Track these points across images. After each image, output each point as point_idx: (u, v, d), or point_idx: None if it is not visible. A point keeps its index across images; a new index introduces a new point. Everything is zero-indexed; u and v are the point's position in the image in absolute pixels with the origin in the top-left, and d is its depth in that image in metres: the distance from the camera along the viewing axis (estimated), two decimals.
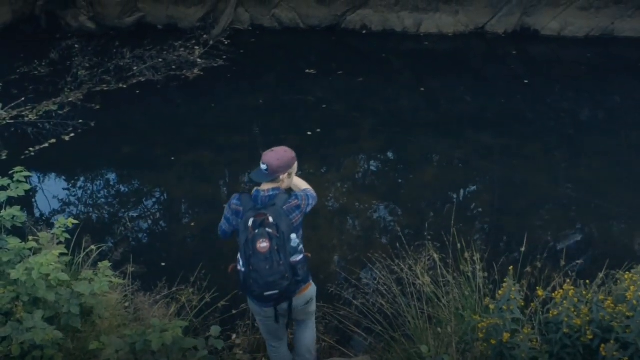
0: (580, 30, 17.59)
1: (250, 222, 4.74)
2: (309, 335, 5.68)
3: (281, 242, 4.73)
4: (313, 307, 5.48)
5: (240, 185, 10.62)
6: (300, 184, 5.28)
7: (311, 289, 5.30)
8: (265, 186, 4.96)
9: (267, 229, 4.71)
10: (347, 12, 18.76)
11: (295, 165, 5.05)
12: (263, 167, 4.89)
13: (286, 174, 4.96)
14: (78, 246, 6.78)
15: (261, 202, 4.90)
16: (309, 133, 11.25)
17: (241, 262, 4.84)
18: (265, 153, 4.94)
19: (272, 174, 4.88)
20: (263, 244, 4.67)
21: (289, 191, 5.17)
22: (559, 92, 14.64)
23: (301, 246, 4.98)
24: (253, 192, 5.01)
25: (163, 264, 8.39)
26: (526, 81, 14.89)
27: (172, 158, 11.28)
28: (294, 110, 13.49)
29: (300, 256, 4.96)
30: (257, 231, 4.70)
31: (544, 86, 14.77)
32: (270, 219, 4.74)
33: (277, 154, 4.91)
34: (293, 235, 4.88)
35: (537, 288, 5.41)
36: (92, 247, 6.76)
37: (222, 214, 5.27)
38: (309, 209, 5.08)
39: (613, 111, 13.46)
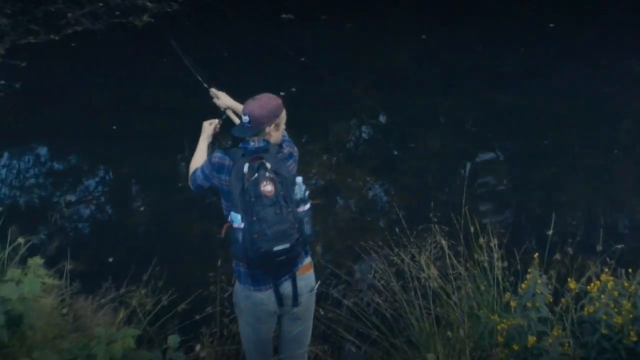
0: None
1: (245, 168, 4.76)
2: None
3: (285, 188, 4.78)
4: (313, 305, 5.51)
5: None
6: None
7: (313, 273, 5.35)
8: (253, 138, 5.00)
9: (267, 174, 4.75)
10: None
11: (284, 114, 5.07)
12: (245, 118, 4.93)
13: (272, 125, 4.98)
14: (2, 239, 6.76)
15: (252, 150, 4.94)
16: (282, 93, 11.19)
17: (238, 218, 4.78)
18: (247, 102, 5.00)
19: (256, 127, 4.92)
20: (268, 187, 4.70)
21: None
22: (594, 38, 14.64)
23: (307, 192, 5.00)
24: (240, 145, 5.04)
25: (109, 259, 8.36)
26: (552, 25, 14.89)
27: (116, 127, 11.23)
28: (267, 64, 13.45)
29: (308, 205, 4.99)
30: (256, 175, 4.73)
31: (574, 31, 14.77)
32: (268, 165, 4.79)
33: (260, 102, 4.96)
34: (299, 179, 4.95)
35: (569, 280, 5.44)
36: (20, 240, 6.73)
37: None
38: (297, 158, 5.20)
39: None
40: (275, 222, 4.67)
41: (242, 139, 5.02)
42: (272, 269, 4.97)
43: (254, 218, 4.67)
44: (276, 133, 5.04)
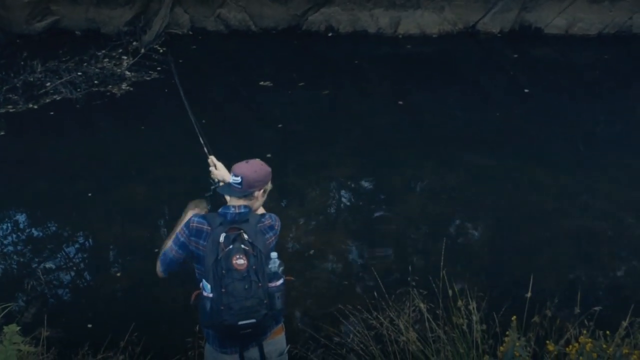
0: (592, 27, 17.85)
1: (221, 238, 4.73)
2: None
3: (259, 262, 4.72)
4: None
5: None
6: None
7: (284, 337, 5.30)
8: (236, 202, 4.99)
9: (243, 246, 4.71)
10: (308, 10, 18.87)
11: (270, 183, 5.11)
12: (236, 179, 4.92)
13: (262, 190, 5.02)
14: None
15: (231, 220, 4.90)
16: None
17: (208, 287, 4.75)
18: (239, 165, 5.00)
19: (247, 189, 4.92)
20: (240, 260, 4.64)
21: None
22: (568, 102, 14.81)
23: (282, 268, 4.92)
24: (220, 210, 5.01)
25: (87, 326, 8.28)
26: (527, 90, 15.05)
27: (96, 194, 11.22)
28: (244, 130, 13.48)
29: (280, 281, 4.91)
30: (231, 247, 4.69)
31: (549, 96, 14.92)
32: (245, 236, 4.76)
33: (254, 166, 4.98)
34: (274, 254, 4.89)
35: (547, 342, 5.44)
36: None
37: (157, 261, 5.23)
38: (279, 232, 5.13)
39: (634, 124, 13.59)
40: (243, 298, 4.64)
41: (224, 204, 5.03)
42: (238, 338, 4.95)
43: (223, 290, 4.64)
44: (262, 199, 5.08)
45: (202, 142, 5.98)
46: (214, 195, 5.42)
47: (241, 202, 4.97)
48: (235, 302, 4.63)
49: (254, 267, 4.68)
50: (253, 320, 4.71)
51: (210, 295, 4.72)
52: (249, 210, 4.97)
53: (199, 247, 4.92)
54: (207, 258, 4.75)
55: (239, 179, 4.90)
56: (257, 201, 5.05)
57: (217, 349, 5.07)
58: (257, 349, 5.06)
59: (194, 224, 4.96)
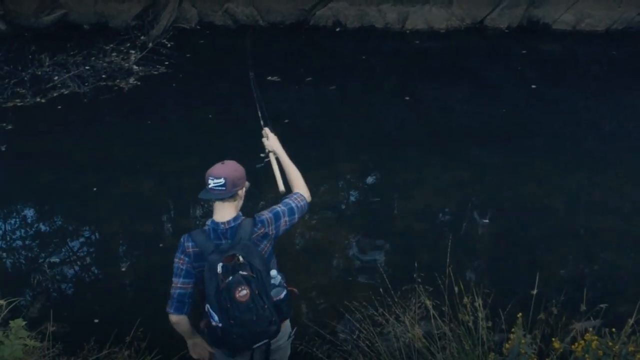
0: (600, 22, 17.81)
1: (219, 269, 4.60)
2: None
3: (260, 282, 4.64)
4: (288, 353, 5.51)
5: (188, 220, 10.57)
6: (297, 181, 5.65)
7: (288, 323, 5.32)
8: (222, 215, 4.92)
9: (242, 272, 4.60)
10: (316, 5, 18.87)
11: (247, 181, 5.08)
12: (218, 181, 4.81)
13: (243, 188, 4.99)
14: None
15: (222, 237, 4.86)
16: (262, 154, 11.18)
17: (216, 317, 4.70)
18: (215, 168, 4.90)
19: (231, 189, 4.84)
20: (243, 292, 4.55)
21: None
22: (576, 98, 14.75)
23: (283, 280, 4.96)
24: (207, 225, 4.95)
25: (93, 321, 8.26)
26: (534, 86, 15.00)
27: (102, 188, 11.22)
28: (250, 126, 13.44)
29: (284, 292, 4.93)
30: (230, 278, 4.57)
31: (557, 92, 14.87)
32: (241, 259, 4.65)
33: (232, 166, 4.93)
34: (273, 272, 4.89)
35: (553, 339, 5.41)
36: (1, 301, 6.68)
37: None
38: (284, 228, 5.12)
39: None
40: (253, 327, 4.62)
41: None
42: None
43: (232, 322, 4.59)
44: (243, 198, 5.05)
45: (259, 114, 6.02)
46: (265, 166, 5.47)
47: (226, 208, 4.91)
48: (247, 332, 4.63)
49: (256, 291, 4.61)
50: (266, 340, 4.78)
51: (220, 324, 4.69)
52: (239, 221, 4.92)
53: (202, 269, 4.82)
54: (208, 287, 4.68)
55: (222, 181, 4.80)
56: (241, 200, 5.02)
57: (229, 356, 5.03)
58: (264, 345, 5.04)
59: (191, 249, 4.89)
